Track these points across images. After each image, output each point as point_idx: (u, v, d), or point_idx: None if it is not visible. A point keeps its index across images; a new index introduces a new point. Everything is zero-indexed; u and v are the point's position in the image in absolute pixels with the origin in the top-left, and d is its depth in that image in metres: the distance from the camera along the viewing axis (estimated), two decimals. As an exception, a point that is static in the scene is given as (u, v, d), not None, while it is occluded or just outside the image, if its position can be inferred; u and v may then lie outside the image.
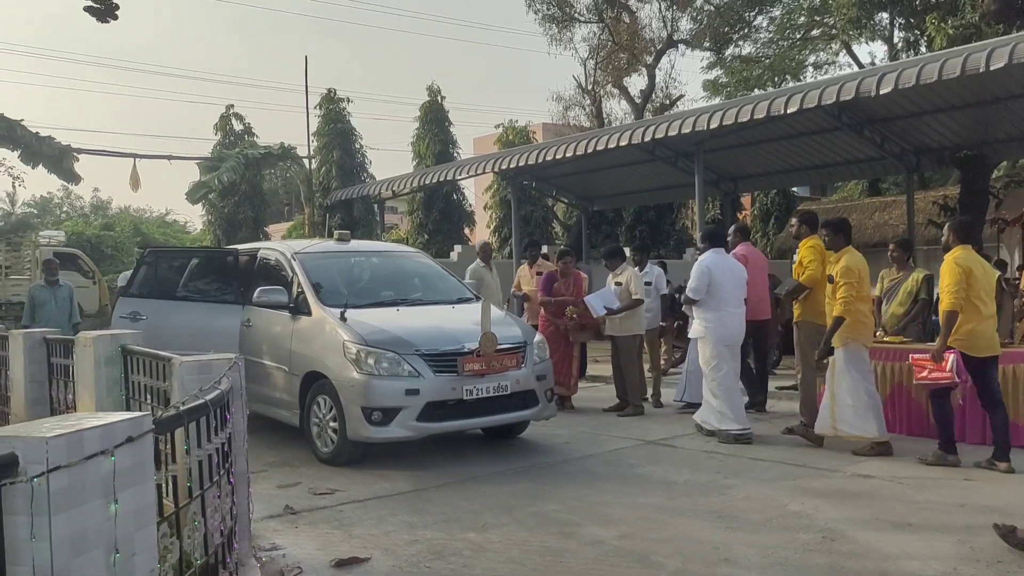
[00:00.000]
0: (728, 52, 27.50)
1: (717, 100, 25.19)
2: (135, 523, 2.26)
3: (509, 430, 7.14)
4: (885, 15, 20.83)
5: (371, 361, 6.06)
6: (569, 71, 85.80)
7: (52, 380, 6.21)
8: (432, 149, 24.29)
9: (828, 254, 6.81)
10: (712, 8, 26.24)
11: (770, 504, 5.05)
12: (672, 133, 11.51)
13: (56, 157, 16.69)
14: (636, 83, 28.29)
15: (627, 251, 9.39)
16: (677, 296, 9.92)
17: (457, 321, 6.71)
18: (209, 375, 3.56)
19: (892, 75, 9.02)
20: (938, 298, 6.24)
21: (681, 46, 27.41)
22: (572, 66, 47.67)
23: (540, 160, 13.70)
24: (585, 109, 28.58)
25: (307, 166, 22.89)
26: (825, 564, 4.00)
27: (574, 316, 8.52)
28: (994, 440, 5.86)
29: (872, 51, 66.02)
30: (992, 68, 8.10)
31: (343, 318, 6.35)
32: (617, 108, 28.97)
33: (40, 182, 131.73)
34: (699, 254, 7.65)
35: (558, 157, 13.32)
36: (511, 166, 14.44)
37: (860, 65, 24.98)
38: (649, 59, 27.02)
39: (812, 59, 27.87)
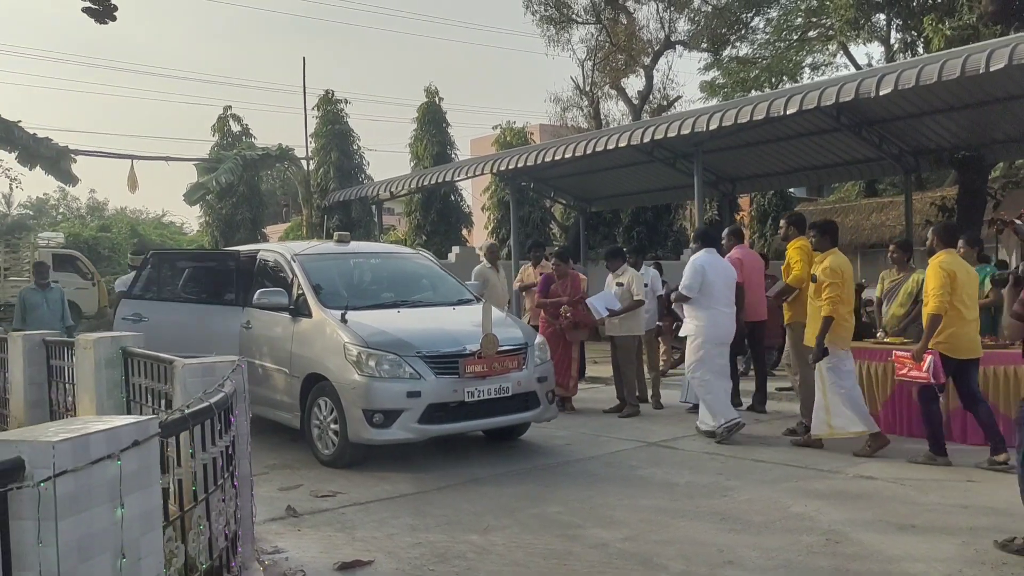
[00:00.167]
0: (725, 53, 27.53)
1: (714, 101, 25.23)
2: (141, 527, 2.24)
3: (510, 432, 7.13)
4: (882, 16, 20.89)
5: (372, 363, 6.05)
6: (567, 72, 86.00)
7: (51, 382, 6.19)
8: (430, 150, 24.24)
9: (815, 255, 6.82)
10: (709, 9, 26.26)
11: (772, 506, 5.05)
12: (671, 134, 11.49)
13: (54, 158, 16.61)
14: (634, 84, 28.38)
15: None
16: (671, 296, 9.90)
17: (458, 323, 6.69)
18: (212, 378, 3.55)
19: (892, 76, 9.03)
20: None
21: (679, 47, 27.43)
22: (570, 67, 47.96)
23: (538, 161, 13.66)
24: (583, 110, 28.62)
25: (305, 167, 22.84)
26: (829, 566, 4.00)
27: (567, 315, 8.52)
28: (986, 435, 5.94)
29: (869, 52, 66.15)
30: (992, 69, 8.11)
31: (344, 320, 6.34)
32: (615, 109, 29.03)
33: (36, 183, 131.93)
34: (692, 253, 7.66)
35: (556, 158, 13.29)
36: (509, 167, 14.41)
37: (857, 66, 25.03)
38: (647, 60, 27.02)
39: (809, 60, 27.97)
